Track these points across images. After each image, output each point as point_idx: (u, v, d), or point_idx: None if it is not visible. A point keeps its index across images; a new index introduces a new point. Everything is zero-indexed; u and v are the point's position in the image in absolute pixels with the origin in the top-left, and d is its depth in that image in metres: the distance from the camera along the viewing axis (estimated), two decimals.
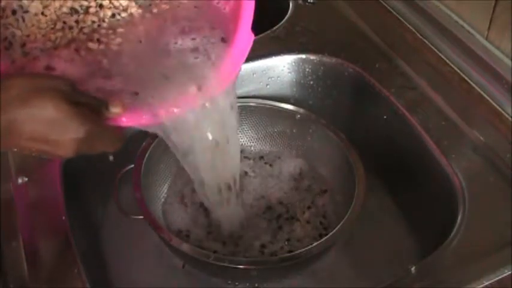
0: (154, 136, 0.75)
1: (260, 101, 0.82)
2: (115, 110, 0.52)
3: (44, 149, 0.48)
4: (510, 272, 0.60)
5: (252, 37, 0.57)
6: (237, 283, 0.72)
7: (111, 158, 0.75)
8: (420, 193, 0.77)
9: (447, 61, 0.82)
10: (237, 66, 0.57)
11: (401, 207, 0.81)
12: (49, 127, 0.47)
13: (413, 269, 0.61)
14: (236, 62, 0.57)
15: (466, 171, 0.69)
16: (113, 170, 0.74)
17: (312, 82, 0.87)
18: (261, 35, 0.88)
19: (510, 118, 0.74)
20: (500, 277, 0.60)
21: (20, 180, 0.69)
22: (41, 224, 0.66)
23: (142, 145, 0.74)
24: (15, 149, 0.49)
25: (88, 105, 0.50)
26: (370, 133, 0.83)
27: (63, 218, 0.66)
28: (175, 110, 0.55)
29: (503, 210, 0.65)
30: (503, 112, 0.75)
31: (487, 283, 0.59)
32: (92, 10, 0.62)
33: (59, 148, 0.49)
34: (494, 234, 0.63)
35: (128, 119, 0.54)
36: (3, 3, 0.59)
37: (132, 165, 0.72)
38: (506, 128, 0.74)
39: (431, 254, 0.63)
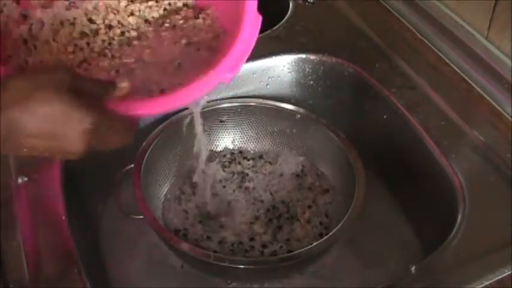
0: (155, 136, 0.75)
1: (260, 100, 0.82)
2: (123, 84, 0.51)
3: (52, 145, 0.47)
4: (510, 272, 0.60)
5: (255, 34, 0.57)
6: (237, 283, 0.72)
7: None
8: (420, 193, 0.77)
9: (447, 61, 0.82)
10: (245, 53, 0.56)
11: (401, 207, 0.81)
12: (54, 121, 0.46)
13: (413, 269, 0.61)
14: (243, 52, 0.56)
15: (466, 171, 0.69)
16: (113, 170, 0.74)
17: (312, 82, 0.87)
18: (261, 35, 0.87)
19: (510, 118, 0.74)
20: (500, 277, 0.60)
21: (20, 180, 0.69)
22: (41, 224, 0.66)
23: (142, 145, 0.74)
24: (25, 150, 0.48)
25: (93, 93, 0.49)
26: (370, 133, 0.83)
27: (63, 218, 0.66)
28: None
29: (503, 210, 0.65)
30: (503, 112, 0.75)
31: (487, 283, 0.59)
32: (101, 31, 0.62)
33: (67, 143, 0.47)
34: (494, 234, 0.63)
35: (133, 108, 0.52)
36: (14, 35, 0.59)
37: (132, 165, 0.72)
38: (506, 128, 0.74)
39: (431, 254, 0.63)
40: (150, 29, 0.64)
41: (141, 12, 0.65)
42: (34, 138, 0.46)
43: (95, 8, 0.64)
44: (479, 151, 0.71)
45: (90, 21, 0.63)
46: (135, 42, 0.62)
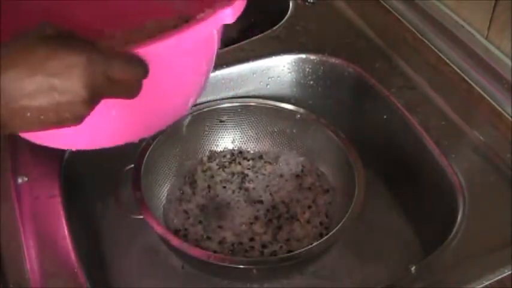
0: (155, 136, 0.75)
1: (260, 101, 0.82)
2: None
3: (55, 100, 0.42)
4: (510, 272, 0.60)
5: None
6: (237, 283, 0.72)
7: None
8: (420, 193, 0.77)
9: (447, 61, 0.82)
10: None
11: (401, 207, 0.81)
12: (48, 70, 0.42)
13: (413, 269, 0.61)
14: None
15: (466, 171, 0.69)
16: (113, 170, 0.74)
17: (312, 82, 0.87)
18: (261, 35, 0.88)
19: (510, 118, 0.74)
20: (500, 277, 0.60)
21: (20, 180, 0.69)
22: (41, 224, 0.66)
23: (142, 145, 0.74)
24: (28, 114, 0.43)
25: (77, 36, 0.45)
26: (370, 133, 0.83)
27: (63, 218, 0.66)
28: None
29: (503, 210, 0.65)
30: (503, 112, 0.75)
31: (487, 283, 0.59)
32: None
33: (68, 92, 0.42)
34: (494, 234, 0.63)
35: None
36: None
37: (132, 165, 0.72)
38: (506, 128, 0.74)
39: (431, 254, 0.63)
40: None
41: None
42: (33, 97, 0.42)
43: None
44: (479, 151, 0.72)
45: None
46: None
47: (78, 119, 0.45)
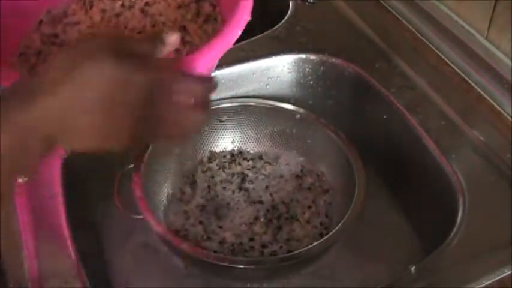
0: None
1: (260, 101, 0.82)
2: (173, 36, 0.47)
3: (112, 122, 0.43)
4: (510, 272, 0.60)
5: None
6: (237, 283, 0.72)
7: None
8: (420, 193, 0.77)
9: (447, 61, 0.82)
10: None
11: (401, 207, 0.81)
12: (108, 90, 0.41)
13: (413, 269, 0.61)
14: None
15: (466, 171, 0.69)
16: (113, 170, 0.74)
17: (312, 82, 0.87)
18: (261, 35, 0.88)
19: (510, 118, 0.74)
20: (500, 277, 0.60)
21: (20, 180, 0.69)
22: (41, 224, 0.66)
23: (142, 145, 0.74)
24: (85, 136, 0.44)
25: (143, 53, 0.45)
26: (370, 133, 0.83)
27: (63, 218, 0.66)
28: None
29: (503, 210, 0.65)
30: (503, 112, 0.75)
31: (487, 283, 0.59)
32: None
33: (128, 115, 0.43)
34: (494, 234, 0.63)
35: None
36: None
37: (132, 165, 0.72)
38: (506, 128, 0.74)
39: (431, 254, 0.63)
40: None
41: None
42: (91, 116, 0.42)
43: None
44: (479, 151, 0.72)
45: None
46: None
47: (129, 141, 0.46)
